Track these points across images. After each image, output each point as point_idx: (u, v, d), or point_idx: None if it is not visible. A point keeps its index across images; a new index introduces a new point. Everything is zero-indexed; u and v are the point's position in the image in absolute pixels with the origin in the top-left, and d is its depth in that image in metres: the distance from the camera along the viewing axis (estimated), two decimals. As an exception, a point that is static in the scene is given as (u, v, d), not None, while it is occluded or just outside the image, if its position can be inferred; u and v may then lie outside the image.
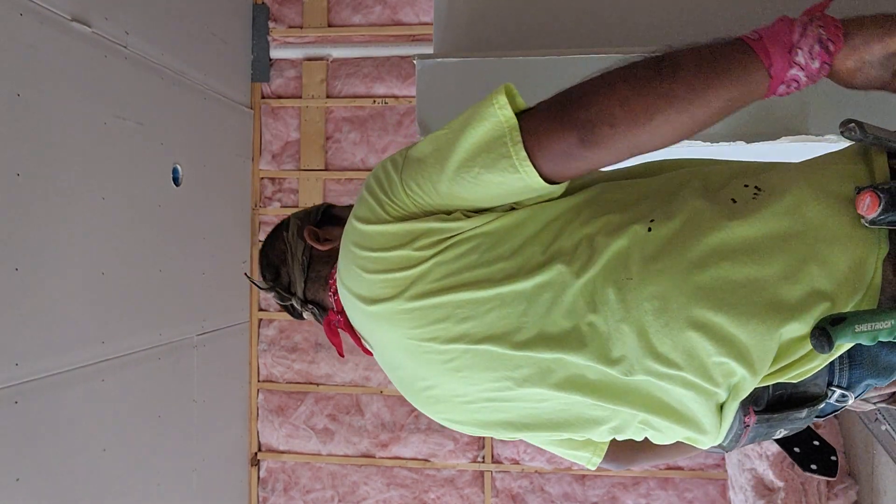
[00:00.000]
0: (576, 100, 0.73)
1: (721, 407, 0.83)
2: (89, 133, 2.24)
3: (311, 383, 3.45)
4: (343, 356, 1.09)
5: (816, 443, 0.96)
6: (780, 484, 2.52)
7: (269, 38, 3.43)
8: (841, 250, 0.76)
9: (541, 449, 3.30)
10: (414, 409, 3.38)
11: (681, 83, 0.71)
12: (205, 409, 3.00)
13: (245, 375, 3.44)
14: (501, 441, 3.33)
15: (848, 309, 0.76)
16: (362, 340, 1.00)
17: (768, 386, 0.83)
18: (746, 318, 0.75)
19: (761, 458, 2.61)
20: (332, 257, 1.05)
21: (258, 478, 3.50)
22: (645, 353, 0.78)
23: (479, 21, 1.29)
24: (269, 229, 3.90)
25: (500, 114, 0.76)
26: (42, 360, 2.04)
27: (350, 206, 1.14)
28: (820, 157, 0.87)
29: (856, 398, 0.85)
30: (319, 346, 3.44)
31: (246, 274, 1.19)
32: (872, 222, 0.74)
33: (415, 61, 1.24)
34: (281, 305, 1.14)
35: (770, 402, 0.85)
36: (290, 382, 3.47)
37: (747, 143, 1.12)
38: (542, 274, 0.80)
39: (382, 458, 3.41)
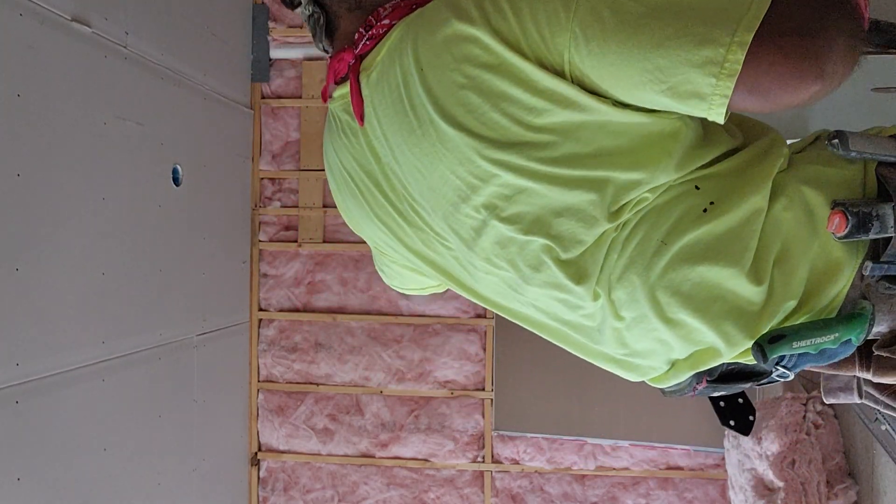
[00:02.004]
0: (824, 41, 0.66)
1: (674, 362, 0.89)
2: (89, 133, 2.24)
3: (311, 383, 3.45)
4: (325, 101, 0.95)
5: (741, 400, 0.99)
6: (780, 484, 2.52)
7: (269, 38, 3.43)
8: (816, 256, 0.80)
9: (541, 449, 3.31)
10: (414, 409, 3.38)
11: (863, 41, 0.72)
12: (205, 409, 3.00)
13: (245, 375, 3.45)
14: (501, 441, 3.34)
15: (812, 313, 0.80)
16: (365, 106, 0.87)
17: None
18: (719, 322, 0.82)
19: (761, 458, 2.61)
20: None
21: (258, 478, 3.50)
22: (649, 306, 0.82)
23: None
24: (269, 229, 3.88)
25: (732, 42, 0.66)
26: (42, 360, 2.04)
27: None
28: (825, 153, 0.88)
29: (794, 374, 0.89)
30: (319, 346, 3.45)
31: None
32: (841, 239, 0.77)
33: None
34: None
35: (721, 374, 0.89)
36: (290, 382, 3.47)
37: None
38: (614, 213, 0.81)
39: (382, 458, 3.41)
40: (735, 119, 0.90)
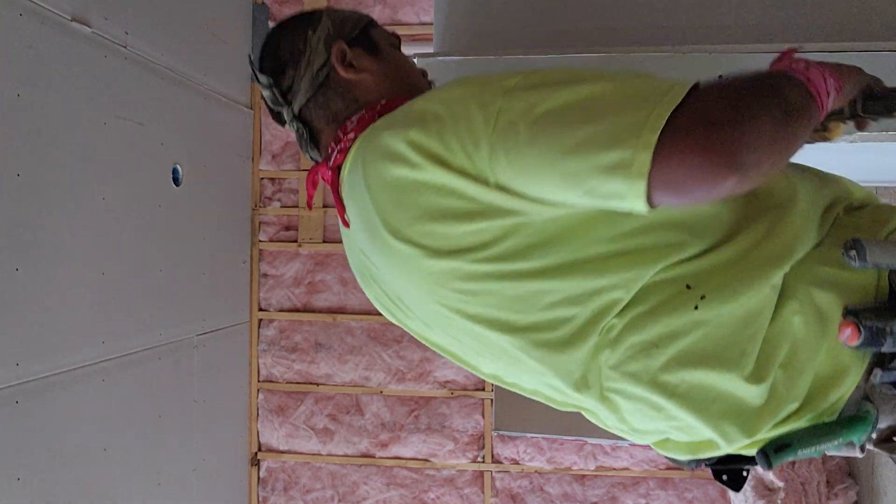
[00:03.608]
0: (734, 133, 0.63)
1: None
2: (89, 133, 2.24)
3: (311, 383, 3.45)
4: (311, 208, 1.03)
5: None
6: (780, 484, 2.52)
7: (269, 38, 3.43)
8: (824, 360, 0.79)
9: (541, 449, 3.31)
10: (414, 409, 3.38)
11: (801, 129, 0.69)
12: (205, 409, 3.00)
13: (245, 375, 3.44)
14: (501, 441, 3.34)
15: (814, 413, 0.80)
16: (346, 214, 0.92)
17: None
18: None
19: (761, 457, 2.61)
20: (348, 91, 0.95)
21: (258, 478, 3.50)
22: (644, 404, 0.82)
23: (480, 20, 1.30)
24: (269, 229, 3.87)
25: (638, 143, 0.65)
26: (42, 360, 2.04)
27: (392, 37, 1.06)
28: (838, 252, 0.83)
29: None
30: (319, 346, 3.45)
31: (249, 56, 1.06)
32: (853, 348, 0.77)
33: (415, 60, 1.24)
34: (267, 105, 1.01)
35: (721, 458, 0.89)
36: (290, 382, 3.47)
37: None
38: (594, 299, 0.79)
39: (382, 457, 3.41)
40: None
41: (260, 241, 3.47)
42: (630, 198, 0.66)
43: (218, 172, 3.15)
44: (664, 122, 0.64)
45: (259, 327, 3.49)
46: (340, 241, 3.81)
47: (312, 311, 3.45)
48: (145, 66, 2.55)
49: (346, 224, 0.93)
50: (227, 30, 3.21)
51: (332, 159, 0.92)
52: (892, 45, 1.11)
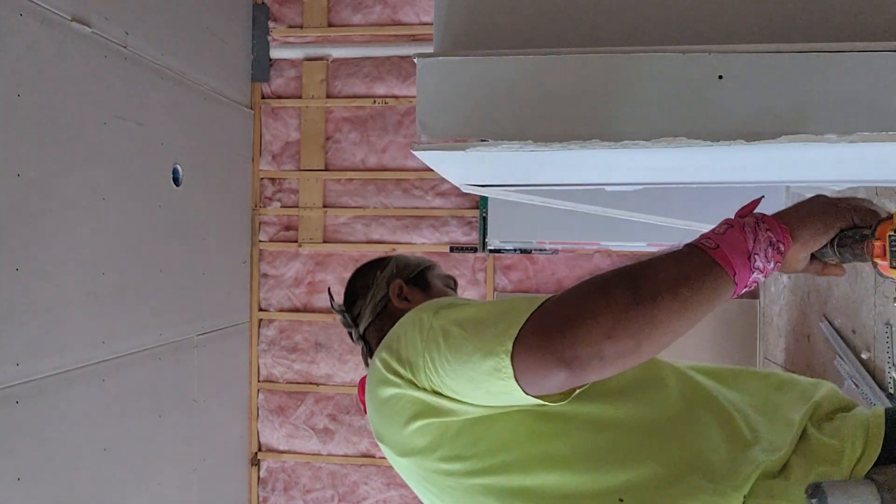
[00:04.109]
0: (559, 335, 0.73)
1: None
2: (89, 133, 2.24)
3: (311, 383, 3.45)
4: (365, 413, 1.16)
5: None
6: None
7: (269, 38, 3.43)
8: None
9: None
10: (414, 409, 3.39)
11: (662, 309, 0.73)
12: (205, 409, 3.00)
13: (245, 375, 3.45)
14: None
15: None
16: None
17: None
18: None
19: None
20: (398, 318, 1.09)
21: (258, 478, 3.50)
22: None
23: (481, 20, 1.29)
24: (269, 229, 3.87)
25: (500, 350, 0.76)
26: (42, 360, 2.04)
27: (447, 279, 1.29)
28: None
29: None
30: (319, 346, 3.45)
31: (329, 289, 1.47)
32: None
33: (415, 60, 1.24)
34: (344, 326, 1.27)
35: None
36: (290, 382, 3.47)
37: (747, 141, 1.12)
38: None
39: (382, 457, 3.40)
40: (649, 437, 0.89)
41: (260, 241, 3.47)
42: (514, 394, 0.77)
43: (218, 172, 3.15)
44: (518, 329, 0.75)
45: (259, 327, 3.49)
46: (341, 241, 3.81)
47: (312, 311, 3.45)
48: (145, 66, 2.55)
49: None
50: (227, 30, 3.21)
51: None
52: (892, 46, 1.11)
